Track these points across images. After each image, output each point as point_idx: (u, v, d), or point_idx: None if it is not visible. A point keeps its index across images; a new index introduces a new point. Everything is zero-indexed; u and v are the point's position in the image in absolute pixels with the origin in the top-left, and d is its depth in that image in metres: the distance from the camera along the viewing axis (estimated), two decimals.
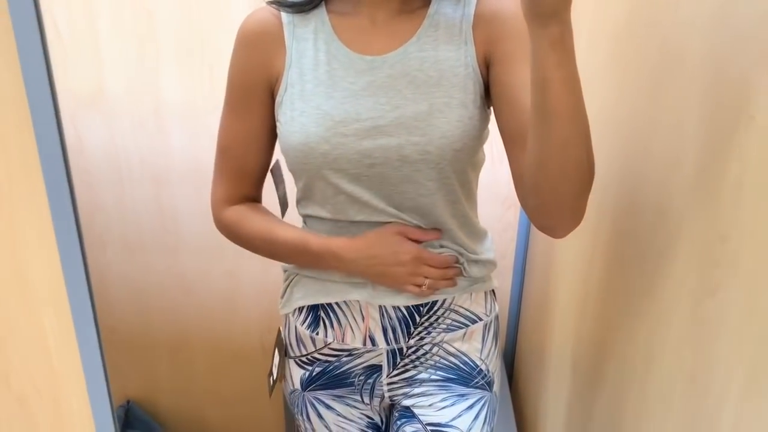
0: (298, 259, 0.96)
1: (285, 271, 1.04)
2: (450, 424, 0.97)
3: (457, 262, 0.95)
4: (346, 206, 0.90)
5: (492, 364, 1.03)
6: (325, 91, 0.84)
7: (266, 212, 0.99)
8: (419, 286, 0.91)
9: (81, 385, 0.65)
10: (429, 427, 0.97)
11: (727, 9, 0.64)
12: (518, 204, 1.76)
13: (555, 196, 0.69)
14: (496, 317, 1.05)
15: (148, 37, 1.66)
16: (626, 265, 0.90)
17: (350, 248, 0.90)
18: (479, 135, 0.86)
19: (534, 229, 1.75)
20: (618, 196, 0.95)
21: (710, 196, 0.64)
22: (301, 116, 0.84)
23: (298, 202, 0.97)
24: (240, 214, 0.96)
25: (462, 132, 0.82)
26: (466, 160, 0.86)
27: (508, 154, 0.82)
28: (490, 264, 1.00)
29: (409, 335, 0.97)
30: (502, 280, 1.86)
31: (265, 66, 0.87)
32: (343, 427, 1.05)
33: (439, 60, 0.82)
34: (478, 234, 0.98)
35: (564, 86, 0.62)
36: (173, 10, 1.64)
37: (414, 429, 0.98)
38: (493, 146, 1.72)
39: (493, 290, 1.05)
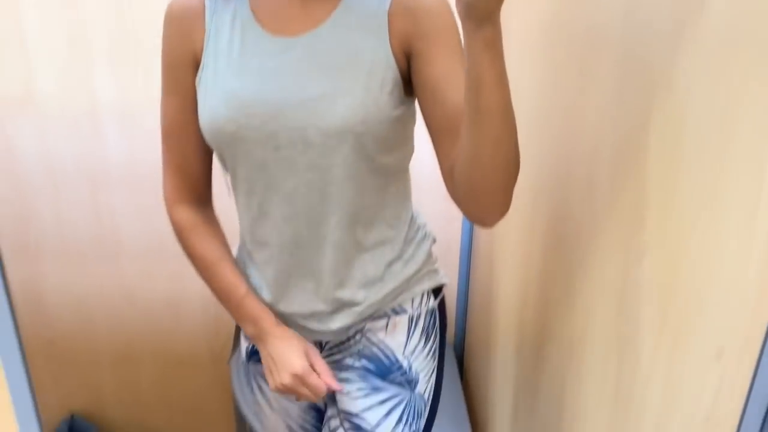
0: (226, 305, 0.97)
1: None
2: (360, 415, 0.97)
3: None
4: (252, 201, 0.90)
5: (418, 362, 0.99)
6: (234, 72, 0.85)
7: (219, 236, 0.98)
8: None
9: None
10: (342, 414, 0.98)
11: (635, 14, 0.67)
12: None
13: (485, 189, 0.73)
14: (430, 313, 1.00)
15: (79, 35, 1.62)
16: (561, 250, 0.93)
17: (270, 334, 0.94)
18: (387, 120, 0.83)
19: None
20: (549, 197, 0.98)
21: (623, 207, 0.67)
22: (212, 97, 0.86)
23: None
24: (191, 226, 0.96)
25: (364, 115, 0.81)
26: (373, 146, 0.84)
27: (435, 148, 0.83)
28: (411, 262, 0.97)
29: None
30: (449, 274, 1.87)
31: (187, 45, 0.89)
32: (283, 405, 1.05)
33: (350, 45, 0.82)
34: (390, 232, 0.95)
35: (496, 85, 0.66)
36: (105, 7, 1.60)
37: (332, 412, 1.00)
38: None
39: (433, 290, 1.01)
